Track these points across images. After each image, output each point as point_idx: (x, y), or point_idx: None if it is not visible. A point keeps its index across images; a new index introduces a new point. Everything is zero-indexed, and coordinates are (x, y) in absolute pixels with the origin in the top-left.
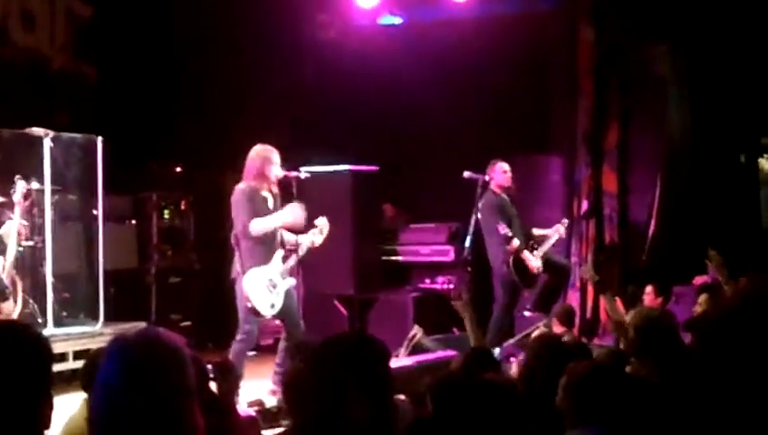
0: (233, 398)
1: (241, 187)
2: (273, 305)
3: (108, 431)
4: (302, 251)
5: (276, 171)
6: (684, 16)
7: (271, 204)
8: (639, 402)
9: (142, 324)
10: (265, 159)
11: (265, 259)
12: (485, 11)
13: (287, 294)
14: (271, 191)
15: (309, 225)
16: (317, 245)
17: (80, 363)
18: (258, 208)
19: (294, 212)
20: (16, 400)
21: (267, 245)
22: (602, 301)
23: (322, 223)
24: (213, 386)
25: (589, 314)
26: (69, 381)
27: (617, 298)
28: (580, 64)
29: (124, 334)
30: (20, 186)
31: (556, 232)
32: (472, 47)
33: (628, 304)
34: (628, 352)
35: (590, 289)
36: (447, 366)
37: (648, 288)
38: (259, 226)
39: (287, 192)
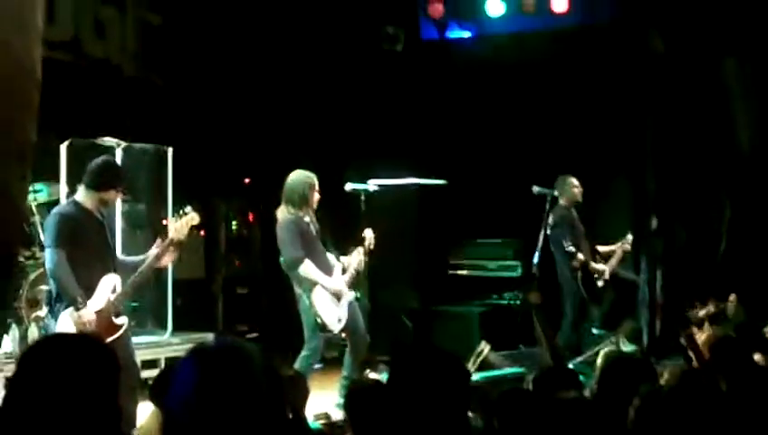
0: (303, 410)
1: (287, 216)
2: (339, 320)
3: None
4: (356, 266)
5: (315, 197)
6: (752, 30)
7: (313, 229)
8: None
9: (210, 336)
10: (309, 186)
11: (326, 273)
12: (553, 24)
13: (350, 305)
14: (310, 215)
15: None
16: (362, 264)
17: (149, 373)
18: (305, 236)
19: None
20: (86, 410)
21: (321, 260)
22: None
23: (369, 235)
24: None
25: (658, 332)
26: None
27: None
28: (648, 77)
29: (204, 344)
30: None
31: (621, 248)
32: (539, 61)
33: (713, 320)
34: (699, 370)
35: (659, 306)
36: (515, 382)
37: (732, 296)
38: (307, 270)
39: (355, 204)
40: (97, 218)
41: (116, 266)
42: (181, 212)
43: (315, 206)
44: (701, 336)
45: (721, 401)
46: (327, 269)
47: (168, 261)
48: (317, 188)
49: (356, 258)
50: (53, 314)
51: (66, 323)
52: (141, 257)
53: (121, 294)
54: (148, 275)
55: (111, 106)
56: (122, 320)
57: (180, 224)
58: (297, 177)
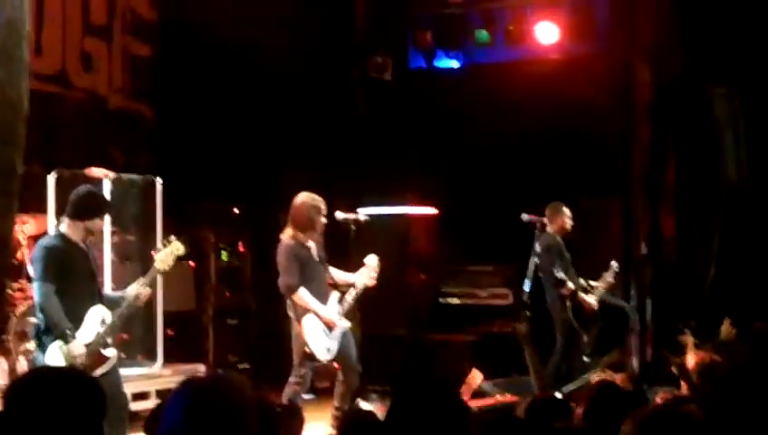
0: None
1: (288, 241)
2: (329, 350)
3: None
4: (356, 292)
5: (322, 221)
6: (741, 59)
7: (314, 253)
8: None
9: (201, 367)
10: (315, 210)
11: (321, 302)
12: (542, 54)
13: (343, 336)
14: (314, 240)
15: (361, 264)
16: (370, 285)
17: (139, 405)
18: (304, 264)
19: (332, 314)
20: None
21: (317, 288)
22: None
23: (373, 262)
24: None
25: (649, 359)
26: (129, 422)
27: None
28: (637, 106)
29: (194, 377)
30: None
31: (605, 278)
32: (528, 90)
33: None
34: (690, 396)
35: (649, 333)
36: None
37: (726, 321)
38: (301, 298)
39: (345, 233)
40: (82, 249)
41: (102, 299)
42: (165, 242)
43: (321, 230)
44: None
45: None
46: (324, 297)
47: (142, 300)
48: (324, 212)
49: (360, 282)
50: (42, 346)
51: (55, 355)
52: (126, 292)
53: (109, 326)
54: (135, 306)
55: (99, 137)
56: (111, 352)
57: (165, 254)
58: (304, 200)
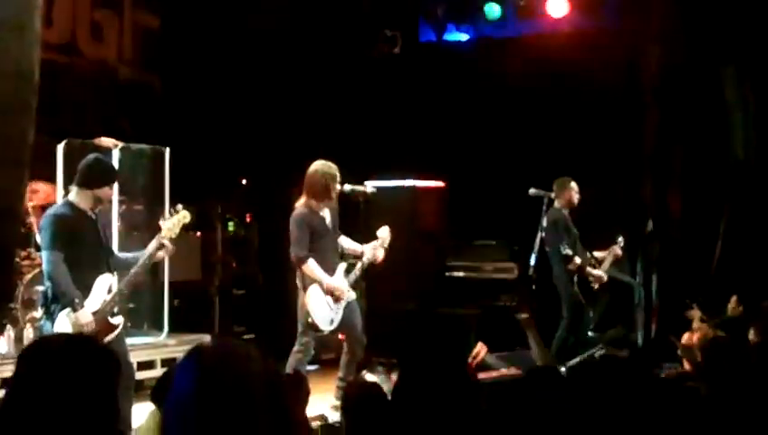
0: (304, 411)
1: (301, 209)
2: (332, 321)
3: None
4: (364, 263)
5: (337, 188)
6: (750, 40)
7: (329, 222)
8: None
9: (207, 337)
10: (329, 177)
11: (327, 273)
12: (550, 29)
13: (349, 307)
14: (329, 208)
15: (371, 237)
16: (380, 259)
17: (145, 374)
18: (316, 233)
19: (341, 283)
20: (85, 410)
21: (327, 258)
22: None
23: (385, 235)
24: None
25: (653, 335)
26: (135, 391)
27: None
28: (646, 85)
29: (201, 344)
30: None
31: (612, 251)
32: (536, 65)
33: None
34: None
35: (654, 309)
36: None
37: (733, 298)
38: (310, 270)
39: (353, 206)
40: (91, 218)
41: (111, 265)
42: (173, 211)
43: (335, 198)
44: (693, 338)
45: (707, 404)
46: (333, 269)
47: (161, 257)
48: (338, 179)
49: (370, 255)
50: (49, 315)
51: (64, 324)
52: (136, 254)
53: (117, 293)
54: (142, 274)
55: (108, 107)
56: (118, 320)
57: (172, 222)
58: (319, 168)
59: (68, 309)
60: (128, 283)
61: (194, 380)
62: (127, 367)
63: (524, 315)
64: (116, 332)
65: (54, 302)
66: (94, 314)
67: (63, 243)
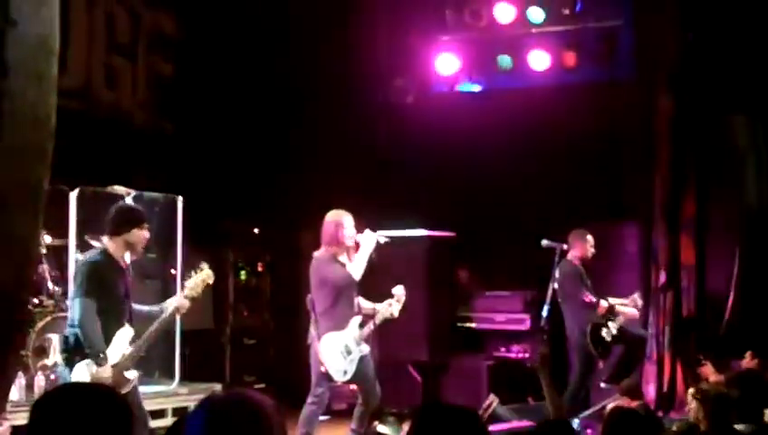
0: None
1: (321, 255)
2: (345, 372)
3: None
4: (378, 320)
5: (350, 234)
6: (762, 88)
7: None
8: None
9: (218, 386)
10: (338, 225)
11: (342, 324)
12: (563, 80)
13: (362, 360)
14: (348, 255)
15: (385, 293)
16: (395, 316)
17: (156, 423)
18: (336, 284)
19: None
20: None
21: (344, 310)
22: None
23: (400, 293)
24: None
25: (665, 387)
26: None
27: (707, 363)
28: (658, 134)
29: (214, 393)
30: None
31: (633, 304)
32: (549, 115)
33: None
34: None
35: (667, 361)
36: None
37: (748, 353)
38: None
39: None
40: (121, 268)
41: (132, 319)
42: (197, 269)
43: (349, 244)
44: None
45: None
46: (350, 315)
47: (179, 313)
48: (345, 225)
49: (385, 312)
50: (69, 362)
51: (82, 373)
52: (152, 308)
53: (135, 350)
54: (161, 330)
55: (121, 155)
56: (132, 374)
57: (195, 281)
58: (328, 216)
59: (89, 360)
60: (147, 338)
61: (204, 430)
62: (142, 416)
63: (539, 363)
64: (129, 385)
65: (76, 348)
66: (113, 366)
67: (95, 291)
